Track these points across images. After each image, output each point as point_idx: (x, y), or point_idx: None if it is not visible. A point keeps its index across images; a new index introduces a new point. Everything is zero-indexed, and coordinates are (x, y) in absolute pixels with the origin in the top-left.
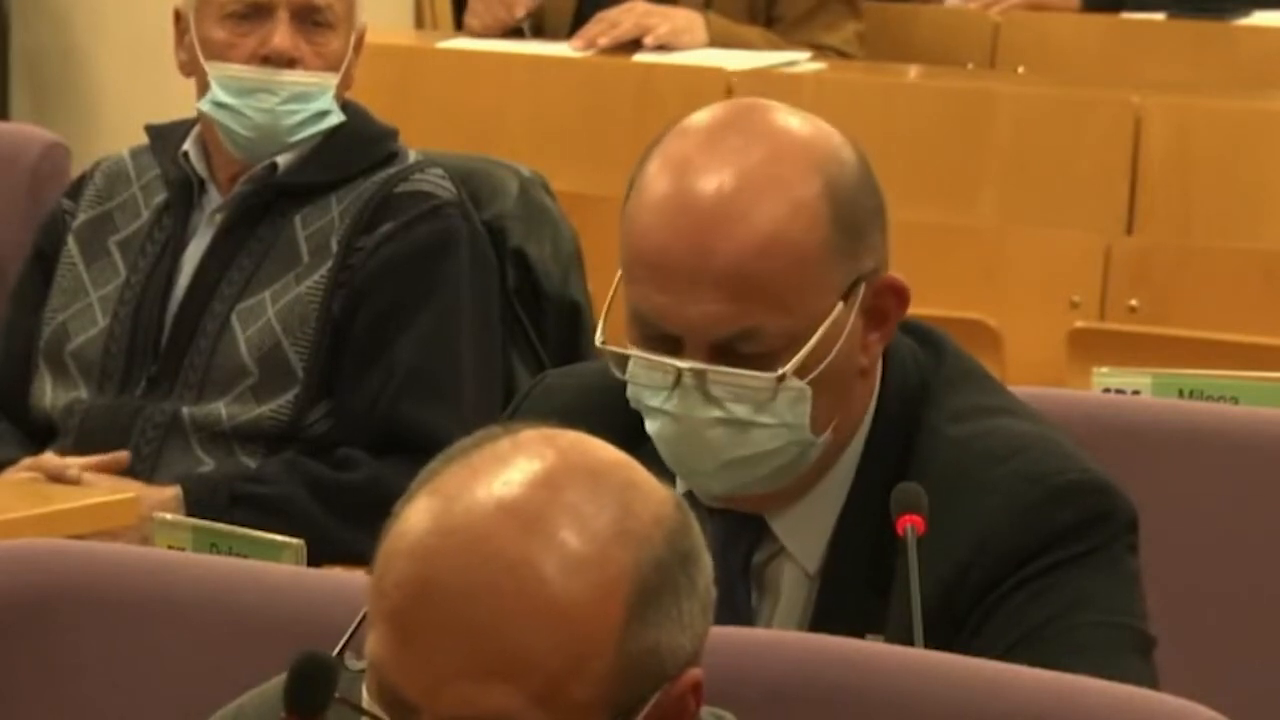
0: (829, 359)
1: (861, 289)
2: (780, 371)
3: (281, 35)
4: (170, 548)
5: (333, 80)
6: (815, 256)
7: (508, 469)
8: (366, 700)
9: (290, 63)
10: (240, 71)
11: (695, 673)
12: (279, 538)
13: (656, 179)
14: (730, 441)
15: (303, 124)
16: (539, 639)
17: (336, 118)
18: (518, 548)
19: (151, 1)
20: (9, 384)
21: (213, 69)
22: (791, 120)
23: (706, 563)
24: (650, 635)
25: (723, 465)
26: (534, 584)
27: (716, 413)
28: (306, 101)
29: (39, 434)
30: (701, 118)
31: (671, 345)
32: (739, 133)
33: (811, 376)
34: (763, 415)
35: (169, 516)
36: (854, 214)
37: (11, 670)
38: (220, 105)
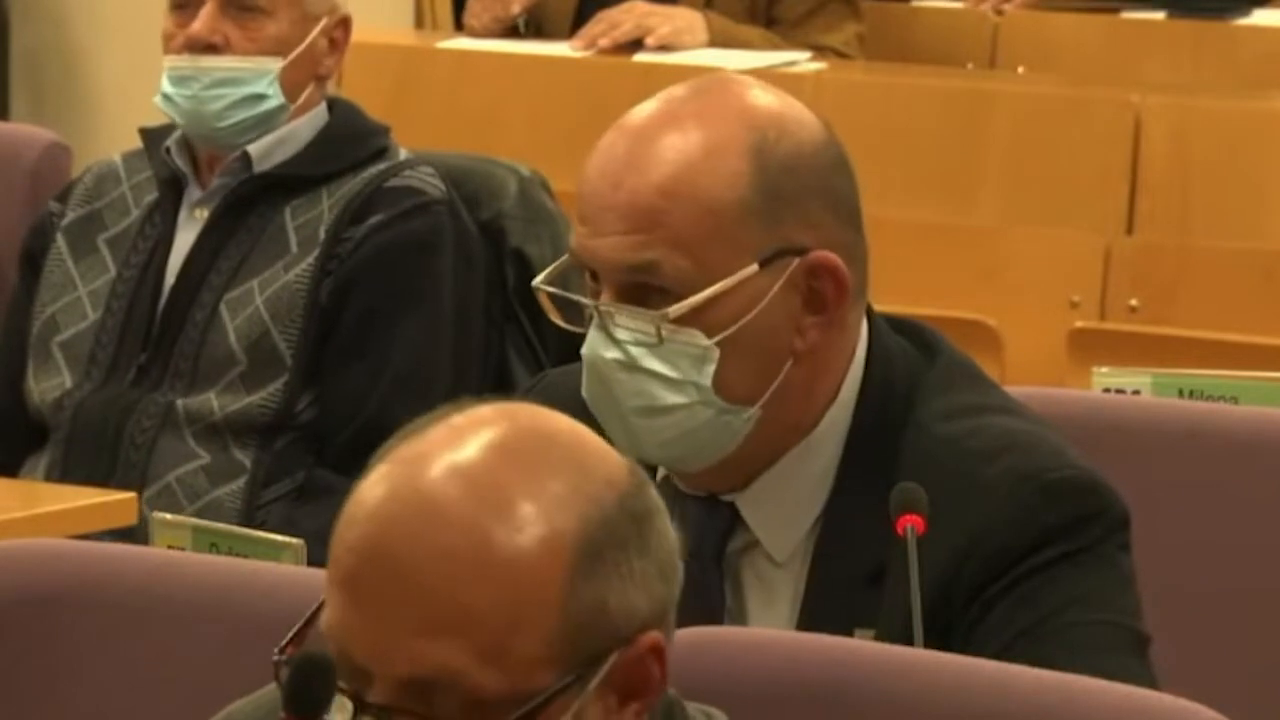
0: (741, 323)
1: (793, 263)
2: (664, 310)
3: (200, 21)
4: (170, 548)
5: (271, 64)
6: (726, 210)
7: (461, 437)
8: None
9: (210, 48)
10: (174, 61)
11: (654, 635)
12: (279, 538)
13: (611, 130)
14: (631, 389)
15: (231, 108)
16: (482, 594)
17: (275, 101)
18: (466, 508)
19: (151, 1)
20: (7, 388)
21: (164, 62)
22: (756, 93)
23: (664, 527)
24: (596, 590)
25: (631, 413)
26: (480, 542)
27: (617, 354)
28: (235, 86)
29: (41, 435)
30: (679, 85)
31: (597, 290)
32: (698, 96)
33: (720, 338)
34: (660, 363)
35: (169, 516)
36: (787, 182)
37: (11, 670)
38: (165, 97)
